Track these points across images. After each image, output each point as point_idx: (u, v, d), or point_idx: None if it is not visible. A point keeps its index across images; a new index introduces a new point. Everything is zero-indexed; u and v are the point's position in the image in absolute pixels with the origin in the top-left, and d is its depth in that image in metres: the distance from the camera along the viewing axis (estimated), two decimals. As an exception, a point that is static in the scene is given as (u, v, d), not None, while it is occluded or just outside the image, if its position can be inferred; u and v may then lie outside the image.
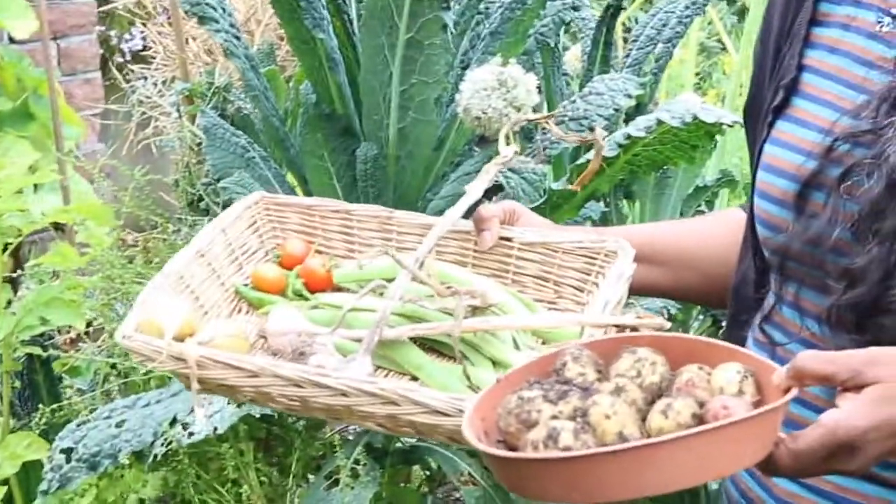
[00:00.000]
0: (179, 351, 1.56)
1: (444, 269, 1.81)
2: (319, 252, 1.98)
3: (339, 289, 1.91)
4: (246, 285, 1.91)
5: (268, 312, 1.81)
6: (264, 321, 1.78)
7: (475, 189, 1.85)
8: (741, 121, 1.99)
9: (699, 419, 1.25)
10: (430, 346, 1.75)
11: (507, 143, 1.93)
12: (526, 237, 1.87)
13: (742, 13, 6.28)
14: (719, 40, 5.91)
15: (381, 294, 1.70)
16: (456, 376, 1.65)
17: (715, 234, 1.94)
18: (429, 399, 1.47)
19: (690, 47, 4.38)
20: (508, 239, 1.87)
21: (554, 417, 1.24)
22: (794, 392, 1.29)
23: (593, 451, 1.19)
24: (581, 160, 2.49)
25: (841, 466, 1.31)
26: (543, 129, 2.47)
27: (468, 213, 1.89)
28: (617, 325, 1.59)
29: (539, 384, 1.30)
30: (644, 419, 1.26)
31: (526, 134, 2.76)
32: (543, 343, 1.73)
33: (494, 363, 1.67)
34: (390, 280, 1.71)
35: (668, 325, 1.57)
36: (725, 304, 1.91)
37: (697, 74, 5.49)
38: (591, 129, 2.27)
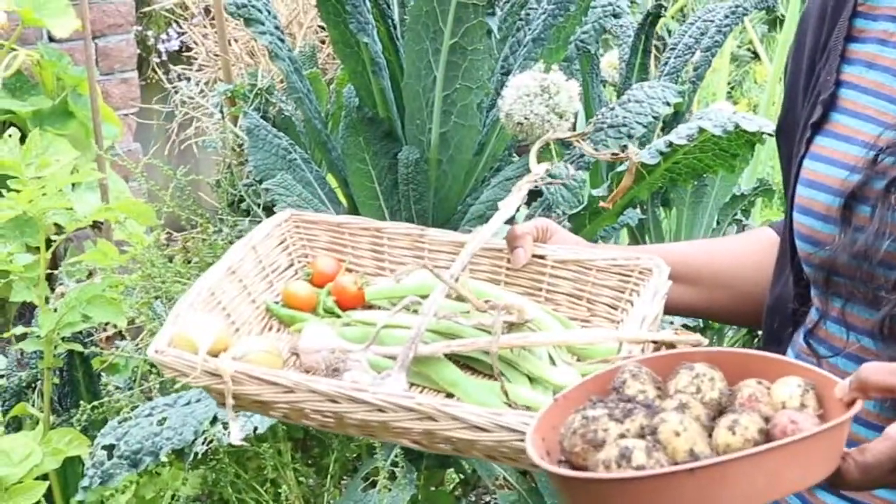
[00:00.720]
0: (214, 366, 1.56)
1: (477, 287, 1.79)
2: (350, 270, 1.97)
3: (370, 306, 1.90)
4: (277, 303, 1.90)
5: (299, 330, 1.80)
6: (296, 338, 1.77)
7: (508, 206, 1.82)
8: None
9: (766, 435, 1.24)
10: (465, 362, 1.74)
11: (539, 161, 1.91)
12: (559, 254, 1.85)
13: (773, 22, 6.27)
14: (750, 49, 5.90)
15: (415, 311, 1.69)
16: (492, 393, 1.63)
17: (748, 253, 1.93)
18: (468, 414, 1.45)
19: (723, 56, 4.37)
20: (541, 256, 1.86)
21: (621, 436, 1.23)
22: (859, 404, 1.27)
23: (670, 470, 1.18)
24: (620, 168, 2.49)
25: None
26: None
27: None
28: (654, 342, 1.58)
29: (602, 402, 1.29)
30: (709, 435, 1.25)
31: (565, 141, 2.75)
32: (579, 360, 1.71)
33: (531, 379, 1.66)
34: (424, 297, 1.69)
35: (706, 341, 1.55)
36: (756, 322, 1.89)
37: (729, 83, 5.48)
38: (624, 147, 2.27)
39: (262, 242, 1.91)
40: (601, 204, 2.25)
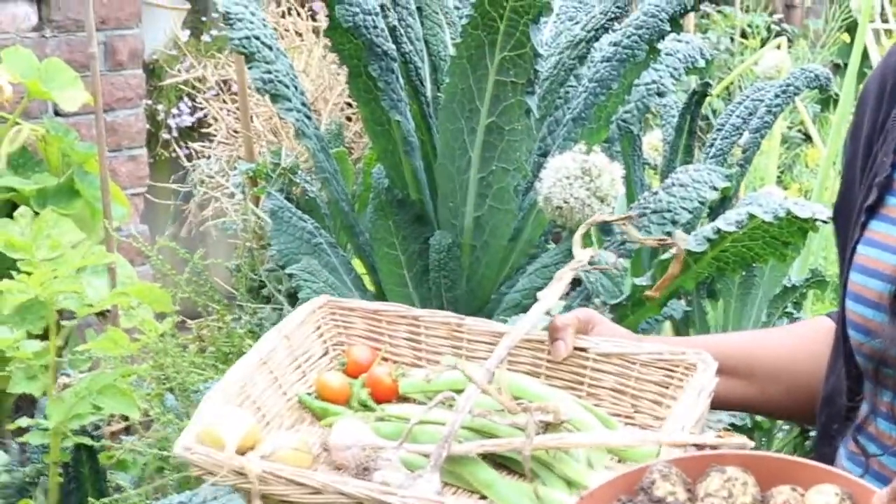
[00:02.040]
0: (241, 465, 1.58)
1: (515, 381, 1.81)
2: (386, 359, 2.00)
3: (405, 399, 1.93)
4: (310, 394, 1.93)
5: (332, 424, 1.83)
6: (328, 433, 1.80)
7: (549, 296, 1.85)
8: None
9: None
10: (501, 462, 1.75)
11: (583, 247, 1.95)
12: (602, 347, 1.88)
13: (826, 102, 6.30)
14: (801, 130, 5.94)
15: (450, 406, 1.71)
16: (527, 496, 1.65)
17: (803, 344, 1.95)
18: None
19: (773, 137, 4.39)
20: (584, 349, 1.88)
21: None
22: None
23: None
24: (664, 255, 2.53)
25: None
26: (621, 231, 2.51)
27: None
28: (697, 445, 1.60)
29: (631, 503, 1.33)
30: None
31: (604, 228, 2.80)
32: (620, 461, 1.73)
33: (568, 483, 1.68)
34: (459, 391, 1.72)
35: (752, 444, 1.58)
36: (812, 418, 1.92)
37: (779, 167, 5.52)
38: (670, 234, 2.30)
39: (296, 330, 1.94)
40: (647, 294, 2.28)
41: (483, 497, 1.70)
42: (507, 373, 1.81)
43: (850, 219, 1.79)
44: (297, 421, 1.90)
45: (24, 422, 2.70)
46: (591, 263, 2.45)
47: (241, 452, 1.63)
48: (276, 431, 1.81)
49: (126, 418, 2.76)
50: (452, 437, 1.65)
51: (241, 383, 1.79)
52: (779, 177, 5.48)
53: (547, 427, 1.67)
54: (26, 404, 4.32)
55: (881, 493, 1.32)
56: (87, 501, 2.62)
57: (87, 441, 2.63)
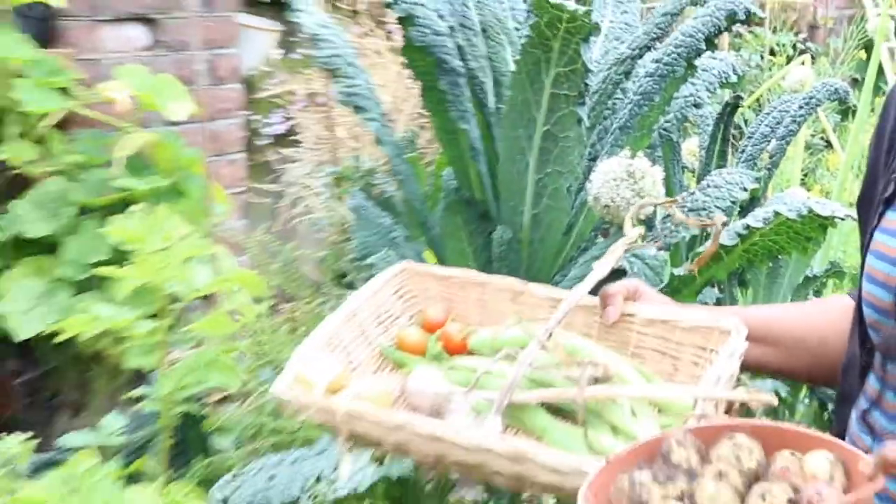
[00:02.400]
0: (328, 405, 1.64)
1: (570, 340, 1.84)
2: (456, 319, 2.03)
3: (473, 353, 1.96)
4: (390, 346, 1.97)
5: (409, 372, 1.88)
6: (406, 380, 1.84)
7: (602, 267, 1.88)
8: (853, 214, 2.01)
9: None
10: (556, 409, 1.79)
11: (633, 226, 1.97)
12: (647, 314, 1.89)
13: (846, 112, 6.27)
14: (823, 138, 5.91)
15: (513, 360, 1.74)
16: (578, 439, 1.67)
17: (825, 318, 1.95)
18: (551, 460, 1.52)
19: (797, 144, 4.39)
20: (631, 314, 1.90)
21: (663, 499, 1.29)
22: (881, 481, 1.31)
23: None
24: (699, 248, 2.53)
25: None
26: (666, 214, 2.52)
27: (595, 290, 1.92)
28: (728, 399, 1.63)
29: (649, 467, 1.35)
30: (743, 501, 1.30)
31: (647, 223, 2.80)
32: (660, 412, 1.75)
33: (614, 429, 1.70)
34: (522, 348, 1.75)
35: (776, 401, 1.60)
36: (832, 382, 1.93)
37: (803, 171, 5.49)
38: (710, 217, 2.32)
39: (380, 291, 1.99)
40: (689, 268, 2.30)
41: (539, 439, 1.74)
42: (563, 333, 1.84)
43: (871, 208, 1.79)
44: (380, 369, 1.94)
45: (138, 391, 2.73)
46: (634, 256, 2.48)
47: (331, 394, 1.69)
48: (361, 377, 1.85)
49: (226, 389, 2.79)
50: (514, 387, 1.68)
51: (331, 335, 1.84)
52: (802, 179, 5.46)
53: (597, 380, 1.70)
54: (138, 378, 4.38)
55: (868, 458, 1.33)
56: (192, 462, 2.65)
57: (193, 409, 2.66)
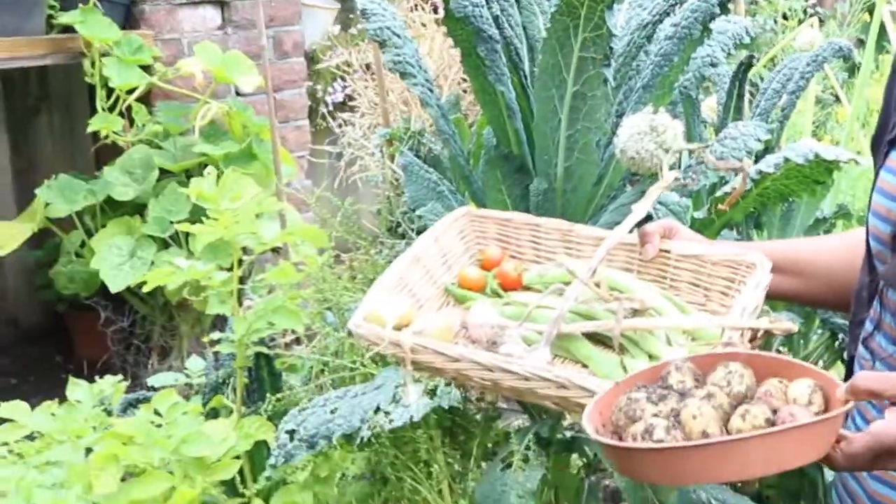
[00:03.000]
0: (397, 339, 1.67)
1: (612, 276, 1.86)
2: (513, 257, 2.06)
3: (527, 289, 1.98)
4: (453, 284, 2.00)
5: (469, 307, 1.89)
6: (466, 314, 1.85)
7: (641, 208, 1.90)
8: (857, 158, 1.99)
9: (771, 423, 1.32)
10: (600, 339, 1.80)
11: (669, 169, 1.96)
12: (682, 249, 1.92)
13: (853, 69, 6.19)
14: (832, 93, 5.83)
15: (561, 295, 1.77)
16: (619, 367, 1.70)
17: (841, 251, 1.93)
18: (593, 385, 1.54)
19: (808, 99, 4.32)
20: (667, 251, 1.92)
21: (654, 416, 1.33)
22: (849, 405, 1.34)
23: (676, 445, 1.29)
24: (718, 193, 2.50)
25: (885, 465, 1.36)
26: (688, 165, 2.48)
27: (633, 228, 1.94)
28: (753, 327, 1.63)
29: (645, 388, 1.39)
30: (727, 420, 1.34)
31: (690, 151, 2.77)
32: (693, 340, 1.76)
33: (650, 356, 1.72)
34: (568, 284, 1.78)
35: (796, 328, 1.60)
36: (847, 309, 1.91)
37: (814, 123, 5.42)
38: (740, 160, 2.30)
39: (443, 234, 2.03)
40: (719, 207, 2.29)
41: (584, 366, 1.76)
42: (606, 269, 1.88)
43: (880, 147, 1.77)
44: (444, 305, 1.97)
45: (216, 335, 2.73)
46: (659, 203, 2.45)
47: (399, 329, 1.72)
48: (427, 313, 1.88)
49: (294, 332, 2.78)
50: (561, 319, 1.72)
51: (399, 275, 1.87)
52: (814, 131, 5.39)
53: (635, 312, 1.73)
54: (220, 323, 4.40)
55: (842, 386, 1.36)
56: (265, 397, 2.64)
57: (265, 350, 2.65)
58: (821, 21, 6.58)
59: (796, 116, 4.51)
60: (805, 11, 7.15)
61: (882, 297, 1.65)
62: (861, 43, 6.84)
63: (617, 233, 1.86)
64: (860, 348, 1.73)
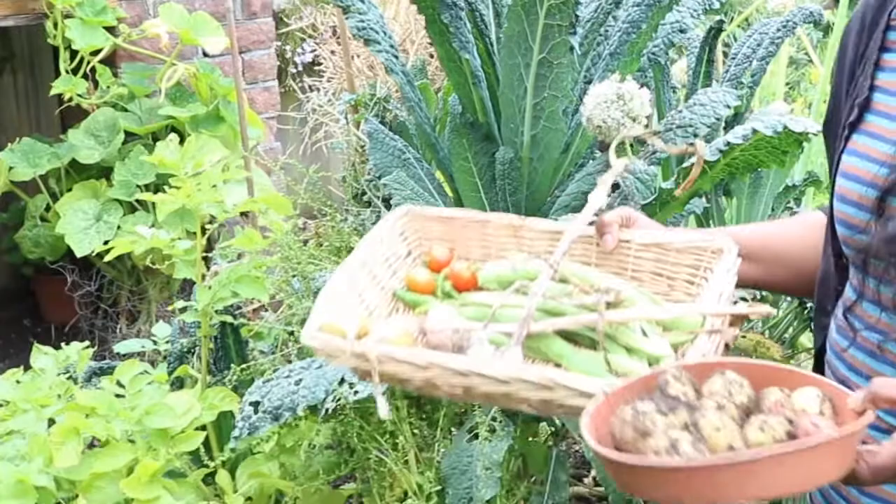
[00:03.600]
0: (361, 350, 1.55)
1: (573, 270, 1.78)
2: (460, 257, 1.94)
3: (480, 289, 1.87)
4: (402, 288, 1.89)
5: (424, 312, 1.79)
6: (423, 319, 1.74)
7: (596, 199, 1.81)
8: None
9: (791, 435, 1.25)
10: (568, 336, 1.71)
11: (619, 156, 1.91)
12: (642, 238, 1.83)
13: (826, 30, 6.17)
14: (806, 54, 5.82)
15: (524, 293, 1.68)
16: (595, 363, 1.62)
17: (800, 234, 1.91)
18: (579, 384, 1.45)
19: (781, 61, 4.30)
20: (627, 241, 1.84)
21: (668, 427, 1.24)
22: (871, 414, 1.28)
23: (713, 462, 1.20)
24: (686, 164, 2.49)
25: None
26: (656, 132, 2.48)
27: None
28: (731, 313, 1.59)
29: (651, 399, 1.30)
30: (741, 432, 1.26)
31: (640, 139, 2.76)
32: (665, 330, 1.68)
33: (629, 350, 1.65)
34: (530, 280, 1.69)
35: (774, 311, 1.56)
36: (809, 293, 1.90)
37: (788, 84, 5.42)
38: (692, 145, 2.27)
39: (386, 236, 1.90)
40: (676, 192, 2.26)
41: (557, 365, 1.67)
42: (568, 263, 1.78)
43: (836, 132, 1.75)
44: (393, 311, 1.86)
45: (180, 304, 2.72)
46: (627, 171, 2.44)
47: (357, 339, 1.59)
48: (377, 321, 1.77)
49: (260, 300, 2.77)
50: (531, 318, 1.62)
51: (347, 281, 1.75)
52: (788, 92, 5.39)
53: (609, 305, 1.64)
54: (188, 286, 4.39)
55: (855, 395, 1.30)
56: (231, 365, 2.64)
57: (229, 319, 2.64)
58: (795, -21, 6.56)
59: (769, 78, 4.50)
60: (780, -31, 7.12)
61: (866, 266, 1.64)
62: (836, 2, 6.83)
63: (576, 224, 1.77)
64: (839, 318, 1.73)
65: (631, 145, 2.78)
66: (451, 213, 1.99)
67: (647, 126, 2.34)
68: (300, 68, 5.28)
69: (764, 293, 2.74)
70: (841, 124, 1.73)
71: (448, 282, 1.88)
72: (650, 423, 1.25)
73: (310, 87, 4.59)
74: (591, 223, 1.84)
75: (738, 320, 1.60)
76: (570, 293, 1.70)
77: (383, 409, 1.59)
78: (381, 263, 1.87)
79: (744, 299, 2.75)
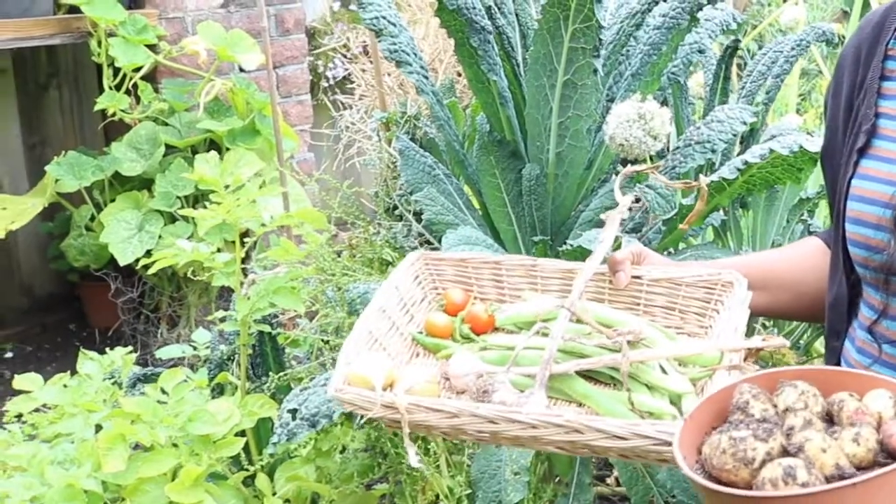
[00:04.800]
0: (391, 401, 1.52)
1: (590, 308, 1.75)
2: (476, 299, 1.92)
3: (497, 330, 1.85)
4: (420, 333, 1.85)
5: (445, 356, 1.76)
6: (445, 364, 1.71)
7: (607, 237, 1.79)
8: None
9: (880, 444, 1.20)
10: (588, 375, 1.69)
11: (623, 193, 1.88)
12: (653, 274, 1.82)
13: (836, 43, 6.14)
14: (817, 65, 5.80)
15: (544, 334, 1.65)
16: (619, 401, 1.60)
17: (803, 260, 1.90)
18: (609, 427, 1.43)
19: (793, 73, 4.29)
20: (638, 277, 1.83)
21: (767, 454, 1.19)
22: None
23: (837, 486, 1.13)
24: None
25: None
26: (676, 146, 2.47)
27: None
28: (748, 347, 1.56)
29: (745, 424, 1.24)
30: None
31: (659, 154, 2.76)
32: (681, 365, 1.65)
33: (650, 387, 1.62)
34: (546, 321, 1.67)
35: (787, 343, 1.53)
36: (815, 318, 1.88)
37: (800, 94, 5.39)
38: (697, 179, 2.25)
39: (402, 281, 1.87)
40: (680, 226, 2.26)
41: (580, 405, 1.65)
42: (584, 302, 1.75)
43: (837, 158, 1.75)
44: (413, 356, 1.83)
45: (220, 314, 2.72)
46: (648, 187, 2.44)
47: (383, 390, 1.57)
48: (399, 367, 1.73)
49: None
50: (552, 360, 1.60)
51: (369, 330, 1.72)
52: (799, 103, 5.36)
53: (629, 344, 1.61)
54: (226, 293, 4.40)
55: None
56: (268, 371, 2.64)
57: (268, 329, 2.64)
58: (805, -7, 6.53)
59: (782, 90, 4.49)
60: (791, -16, 7.09)
61: (887, 285, 1.63)
62: (846, 14, 6.80)
63: (590, 264, 1.74)
64: (859, 337, 1.71)
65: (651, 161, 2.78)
66: (463, 255, 1.97)
67: (667, 143, 2.34)
68: (331, 83, 5.28)
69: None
70: (846, 151, 1.73)
71: (466, 325, 1.85)
72: (750, 450, 1.20)
73: (342, 103, 4.59)
74: (603, 261, 1.83)
75: (753, 353, 1.58)
76: (589, 333, 1.67)
77: (413, 458, 1.56)
78: (398, 310, 1.84)
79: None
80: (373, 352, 1.70)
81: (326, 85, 5.28)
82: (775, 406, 1.28)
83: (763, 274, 1.87)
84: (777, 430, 1.21)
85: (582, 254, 2.18)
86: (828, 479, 1.15)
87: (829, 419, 1.26)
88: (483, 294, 1.93)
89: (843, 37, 4.96)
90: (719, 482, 1.20)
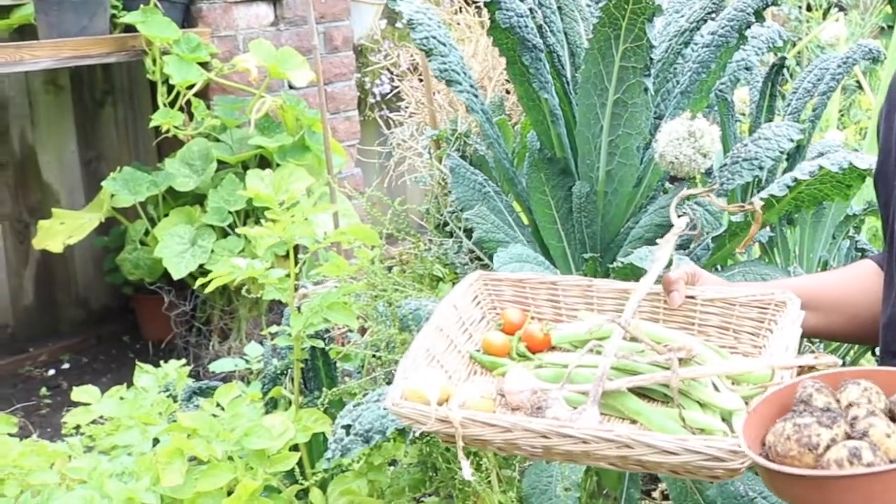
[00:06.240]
0: (445, 415, 1.53)
1: (644, 326, 1.75)
2: (533, 318, 1.92)
3: (553, 348, 1.85)
4: (478, 351, 1.86)
5: (501, 374, 1.76)
6: (501, 381, 1.71)
7: (661, 258, 1.78)
8: None
9: None
10: (641, 392, 1.68)
11: (679, 215, 1.85)
12: (707, 294, 1.81)
13: (875, 60, 6.07)
14: (856, 80, 5.73)
15: (598, 352, 1.65)
16: (671, 418, 1.58)
17: (856, 282, 1.87)
18: (659, 442, 1.42)
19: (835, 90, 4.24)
20: (692, 297, 1.81)
21: (832, 440, 1.20)
22: None
23: None
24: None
25: None
26: (723, 164, 2.43)
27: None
28: (800, 365, 1.54)
29: (809, 412, 1.25)
30: None
31: (707, 172, 2.72)
32: (734, 383, 1.64)
33: (701, 405, 1.60)
34: (600, 339, 1.67)
35: (840, 362, 1.52)
36: (867, 340, 1.85)
37: (839, 110, 5.33)
38: (751, 203, 2.22)
39: (460, 300, 1.87)
40: (737, 251, 2.23)
41: (633, 422, 1.64)
42: (638, 321, 1.75)
43: (890, 181, 1.72)
44: (471, 373, 1.83)
45: (273, 329, 2.71)
46: (698, 204, 2.40)
47: (439, 404, 1.58)
48: (457, 384, 1.74)
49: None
50: (605, 377, 1.59)
51: (426, 347, 1.72)
52: (839, 118, 5.30)
53: (681, 362, 1.59)
54: (276, 306, 4.39)
55: None
56: (321, 386, 2.62)
57: (320, 344, 2.62)
58: (844, 10, 6.46)
59: (823, 106, 4.44)
60: (829, 1, 7.02)
61: None
62: (882, 31, 6.73)
63: (644, 283, 1.73)
64: None
65: (700, 178, 2.74)
66: (521, 276, 1.96)
67: (713, 161, 2.30)
68: (378, 98, 5.27)
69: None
70: None
71: (522, 343, 1.85)
72: (814, 436, 1.21)
73: (391, 119, 4.57)
74: (657, 281, 1.81)
75: (804, 371, 1.55)
76: (642, 351, 1.66)
77: (467, 472, 1.55)
78: (457, 328, 1.84)
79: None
80: (429, 368, 1.70)
81: (373, 101, 5.26)
82: (838, 401, 1.29)
83: (817, 296, 1.84)
84: (841, 419, 1.22)
85: (632, 271, 2.15)
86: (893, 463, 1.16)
87: (892, 417, 1.26)
88: (540, 314, 1.92)
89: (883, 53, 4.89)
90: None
